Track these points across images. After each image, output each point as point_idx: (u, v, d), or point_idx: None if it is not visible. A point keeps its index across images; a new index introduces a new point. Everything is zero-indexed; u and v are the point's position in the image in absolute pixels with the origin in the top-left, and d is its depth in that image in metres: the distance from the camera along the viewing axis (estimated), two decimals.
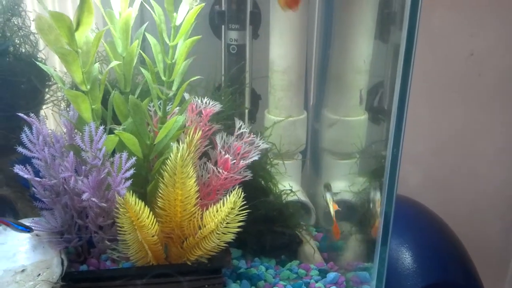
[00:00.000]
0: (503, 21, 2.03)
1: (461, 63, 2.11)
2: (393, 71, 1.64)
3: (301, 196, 1.62)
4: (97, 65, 1.20)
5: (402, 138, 1.16)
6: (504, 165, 2.22)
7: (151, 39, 1.26)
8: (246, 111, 1.70)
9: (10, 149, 1.46)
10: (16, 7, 1.47)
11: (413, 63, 1.13)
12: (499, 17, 2.03)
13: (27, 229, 1.16)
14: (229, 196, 1.20)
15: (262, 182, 1.54)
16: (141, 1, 1.25)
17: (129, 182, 1.12)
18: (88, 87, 1.16)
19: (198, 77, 1.31)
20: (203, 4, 1.22)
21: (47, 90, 1.51)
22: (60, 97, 1.50)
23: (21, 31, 1.48)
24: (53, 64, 1.57)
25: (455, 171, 2.23)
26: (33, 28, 1.50)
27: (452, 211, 1.80)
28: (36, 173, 1.16)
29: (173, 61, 1.25)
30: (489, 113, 2.17)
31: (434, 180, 2.18)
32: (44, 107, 1.52)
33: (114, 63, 1.19)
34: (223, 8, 1.61)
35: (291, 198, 1.57)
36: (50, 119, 1.53)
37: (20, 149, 1.12)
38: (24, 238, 1.16)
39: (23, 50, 1.48)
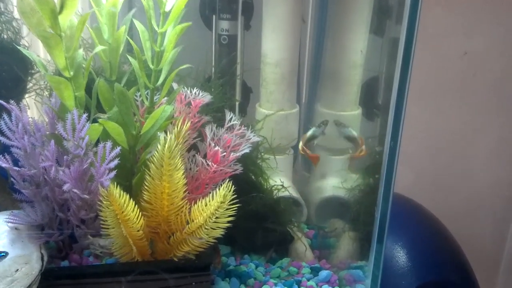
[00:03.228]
0: (498, 21, 2.02)
1: (455, 62, 2.09)
2: (388, 65, 1.61)
3: (292, 192, 1.57)
4: (81, 51, 1.14)
5: (401, 131, 1.12)
6: (497, 165, 2.21)
7: (139, 25, 1.20)
8: (237, 104, 1.65)
9: None
10: None
11: (414, 54, 1.09)
12: (494, 17, 2.02)
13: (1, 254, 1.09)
14: (219, 189, 1.15)
15: (253, 176, 1.49)
16: None
17: (113, 173, 1.06)
18: (72, 73, 1.11)
19: (188, 65, 1.25)
20: None
21: (29, 78, 1.45)
22: (43, 86, 1.44)
23: (2, 16, 1.42)
24: (37, 53, 1.51)
25: (449, 170, 2.21)
26: (16, 14, 1.44)
27: (445, 210, 1.77)
28: (15, 163, 1.10)
29: (162, 48, 1.19)
30: (483, 112, 2.16)
31: (427, 179, 2.16)
32: (26, 96, 1.46)
33: (99, 48, 1.14)
34: None
35: (282, 193, 1.52)
36: (33, 109, 1.47)
37: None
38: (1, 232, 1.10)
39: (5, 37, 1.42)
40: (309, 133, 1.50)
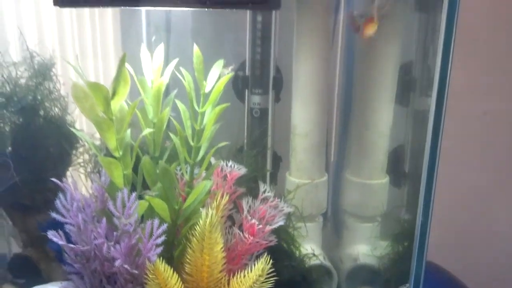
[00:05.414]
0: None
1: (475, 122, 2.14)
2: (414, 135, 1.68)
3: (323, 260, 1.61)
4: (129, 131, 1.23)
5: (432, 204, 1.17)
6: None
7: (180, 105, 1.29)
8: (268, 173, 1.71)
9: (36, 210, 1.49)
10: (47, 71, 1.52)
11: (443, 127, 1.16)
12: None
13: None
14: (256, 261, 1.20)
15: (284, 245, 1.54)
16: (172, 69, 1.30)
17: (160, 249, 1.12)
18: (121, 153, 1.19)
19: (226, 143, 1.33)
20: (233, 73, 1.26)
21: (74, 152, 1.54)
22: (87, 160, 1.53)
23: (51, 94, 1.53)
24: (81, 126, 1.62)
25: (472, 230, 2.22)
26: (63, 92, 1.54)
27: (469, 272, 1.78)
28: (66, 237, 1.17)
29: (202, 127, 1.28)
30: (505, 172, 2.18)
31: (449, 239, 2.17)
32: (70, 168, 1.55)
33: (147, 130, 1.23)
34: (246, 73, 1.65)
35: (313, 262, 1.56)
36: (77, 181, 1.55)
37: (54, 215, 1.13)
38: None
39: (53, 114, 1.52)
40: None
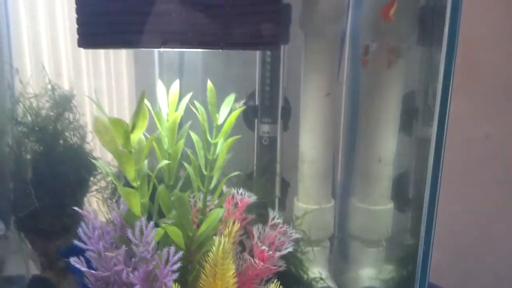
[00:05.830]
0: None
1: (476, 146, 2.19)
2: (417, 162, 1.74)
3: (330, 283, 1.67)
4: (146, 162, 1.30)
5: (433, 232, 1.23)
6: None
7: (194, 136, 1.36)
8: (277, 199, 1.77)
9: (55, 235, 1.57)
10: (67, 103, 1.60)
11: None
12: None
13: None
14: (266, 285, 1.26)
15: (293, 269, 1.59)
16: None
17: (176, 275, 1.19)
18: (139, 183, 1.26)
19: (238, 173, 1.40)
20: (244, 107, 1.33)
21: (92, 179, 1.61)
22: (104, 186, 1.60)
23: (71, 124, 1.60)
24: (96, 152, 1.69)
25: (473, 251, 2.26)
26: (82, 122, 1.62)
27: None
28: (87, 263, 1.24)
29: (214, 157, 1.35)
30: (506, 194, 2.22)
31: (451, 260, 2.20)
32: (88, 194, 1.62)
33: (164, 162, 1.30)
34: (256, 104, 1.73)
35: (321, 285, 1.61)
36: (94, 206, 1.62)
37: (77, 242, 1.20)
38: None
39: (72, 142, 1.60)
40: None
